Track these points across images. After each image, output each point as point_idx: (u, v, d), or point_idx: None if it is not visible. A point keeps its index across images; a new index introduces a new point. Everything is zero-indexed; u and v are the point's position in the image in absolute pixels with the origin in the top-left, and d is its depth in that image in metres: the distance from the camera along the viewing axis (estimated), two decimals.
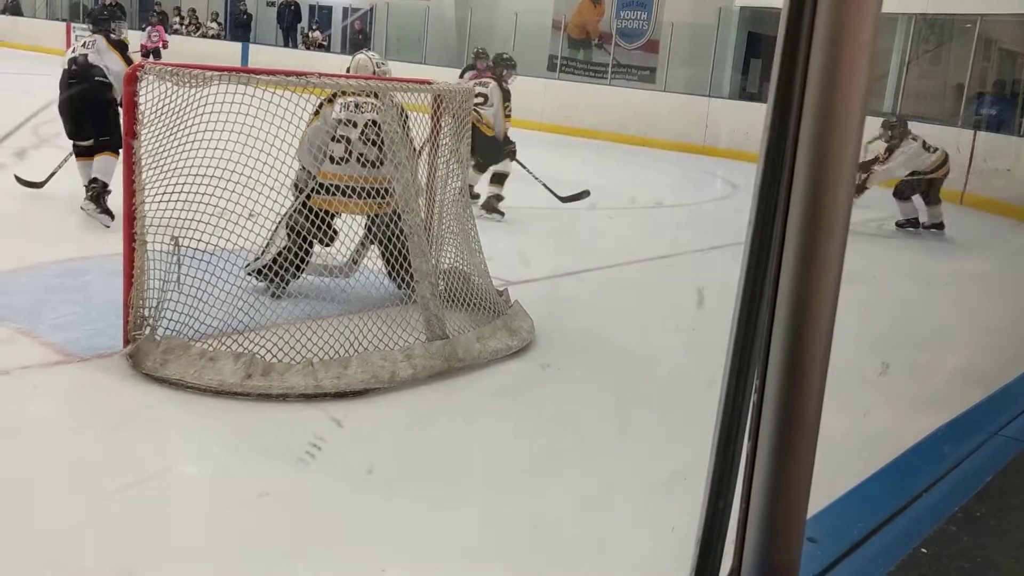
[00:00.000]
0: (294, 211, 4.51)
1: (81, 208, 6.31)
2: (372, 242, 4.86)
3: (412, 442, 3.51)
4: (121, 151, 4.55)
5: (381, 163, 4.61)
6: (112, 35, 7.03)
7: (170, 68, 4.00)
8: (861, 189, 8.58)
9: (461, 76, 11.10)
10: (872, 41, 0.95)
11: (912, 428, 1.96)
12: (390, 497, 3.02)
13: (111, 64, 6.60)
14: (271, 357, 3.80)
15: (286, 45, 23.48)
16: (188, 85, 3.97)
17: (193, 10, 25.44)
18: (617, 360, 4.70)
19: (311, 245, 4.48)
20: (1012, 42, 15.03)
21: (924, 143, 9.14)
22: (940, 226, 9.28)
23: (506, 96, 8.20)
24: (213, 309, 3.96)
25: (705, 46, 17.06)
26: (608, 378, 4.42)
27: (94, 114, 6.55)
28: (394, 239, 4.47)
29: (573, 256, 6.94)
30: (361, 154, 4.72)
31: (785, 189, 0.96)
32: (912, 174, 9.07)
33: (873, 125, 8.97)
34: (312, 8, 24.50)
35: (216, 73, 3.98)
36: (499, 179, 8.02)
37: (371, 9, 23.39)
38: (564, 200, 8.18)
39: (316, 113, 4.77)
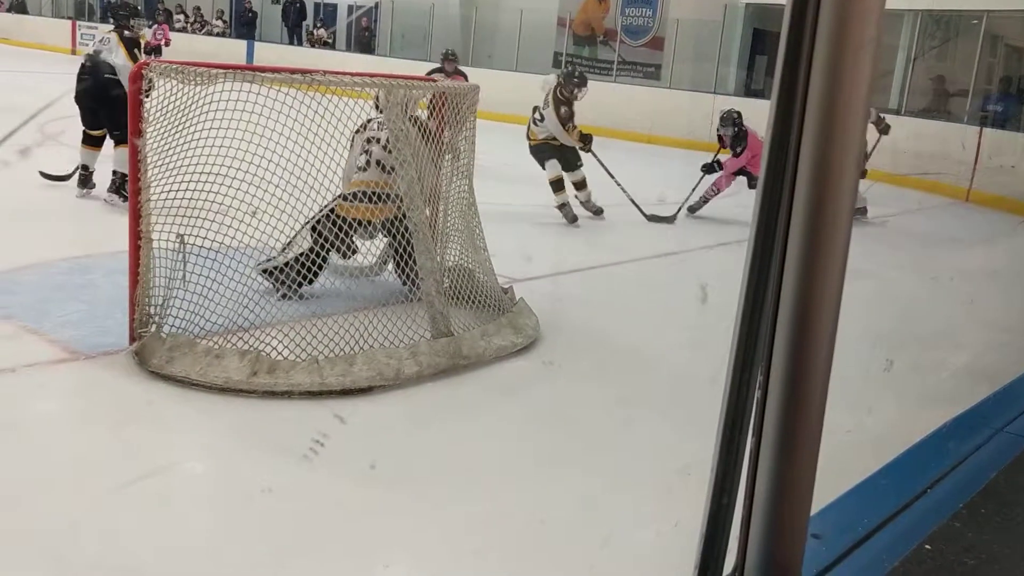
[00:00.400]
0: (321, 217, 4.55)
1: (105, 200, 6.50)
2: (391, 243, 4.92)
3: (417, 439, 3.51)
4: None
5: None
6: (128, 32, 7.16)
7: (175, 66, 4.00)
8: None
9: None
10: (876, 37, 0.95)
11: (917, 425, 1.96)
12: (394, 494, 3.02)
13: (118, 60, 6.78)
14: (277, 354, 3.81)
15: (291, 43, 23.48)
16: (193, 83, 3.97)
17: (198, 8, 25.45)
18: (622, 357, 4.70)
19: (328, 253, 4.51)
20: (1018, 38, 14.98)
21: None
22: (862, 211, 8.86)
23: (566, 116, 7.97)
24: (219, 307, 3.97)
25: (710, 43, 17.03)
26: (613, 375, 4.42)
27: (106, 108, 6.78)
28: (401, 237, 4.49)
29: (578, 253, 6.94)
30: (379, 161, 4.80)
31: (788, 186, 0.96)
32: None
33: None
34: (317, 6, 24.49)
35: (221, 71, 3.99)
36: (579, 186, 8.05)
37: (376, 6, 23.38)
38: (650, 219, 8.18)
39: (351, 143, 4.87)
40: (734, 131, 8.67)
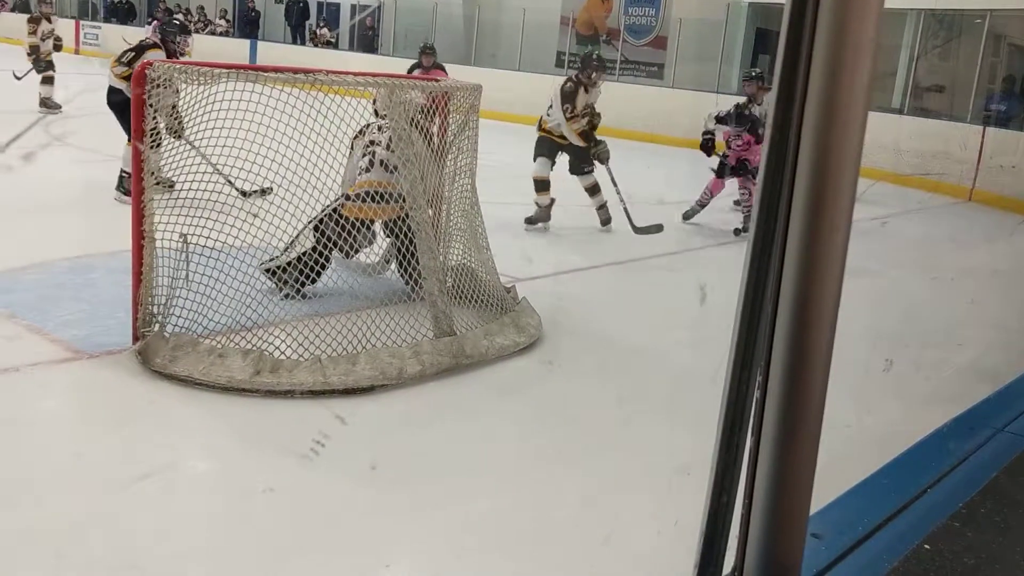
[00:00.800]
0: (324, 217, 4.56)
1: (115, 200, 6.65)
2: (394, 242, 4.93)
3: (419, 439, 3.52)
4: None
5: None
6: (170, 46, 7.22)
7: (178, 66, 4.01)
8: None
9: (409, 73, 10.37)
10: (875, 37, 0.95)
11: (918, 424, 1.96)
12: (396, 494, 3.03)
13: None
14: (279, 354, 3.82)
15: (294, 42, 23.51)
16: (196, 83, 3.98)
17: (202, 7, 25.48)
18: (624, 357, 4.70)
19: (331, 253, 4.52)
20: (1021, 37, 14.96)
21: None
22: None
23: (567, 97, 7.53)
24: (222, 306, 3.98)
25: (713, 42, 17.03)
26: (614, 374, 4.42)
27: (121, 113, 6.80)
28: (403, 237, 4.50)
29: (580, 253, 6.94)
30: (383, 161, 4.81)
31: (788, 185, 0.96)
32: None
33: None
34: (320, 5, 24.52)
35: (224, 71, 3.99)
36: (588, 192, 7.60)
37: (379, 6, 23.40)
38: (638, 231, 7.48)
39: (351, 148, 4.87)
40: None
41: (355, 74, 4.31)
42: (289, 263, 4.60)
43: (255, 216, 4.08)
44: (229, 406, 3.57)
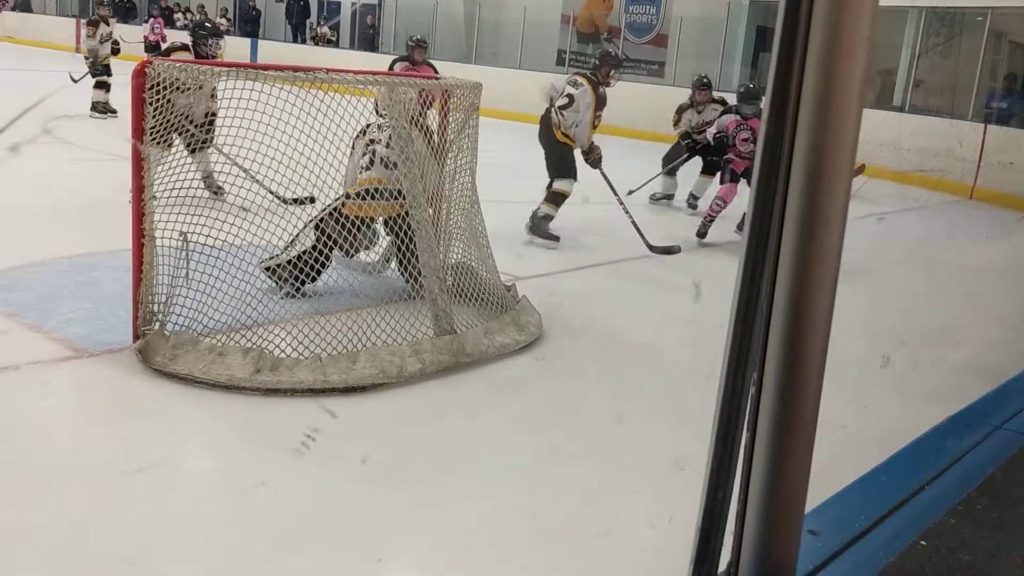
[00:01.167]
0: (325, 216, 4.56)
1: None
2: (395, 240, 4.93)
3: (419, 436, 3.53)
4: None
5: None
6: (201, 50, 7.19)
7: (178, 64, 4.01)
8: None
9: (391, 68, 9.78)
10: (869, 35, 0.95)
11: (917, 421, 1.97)
12: (397, 491, 3.04)
13: None
14: (280, 352, 3.82)
15: (295, 41, 23.51)
16: (196, 81, 3.99)
17: (202, 6, 25.48)
18: (623, 354, 4.71)
19: (332, 251, 4.53)
20: (1023, 35, 14.95)
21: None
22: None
23: (601, 102, 7.12)
24: (222, 304, 3.98)
25: (714, 40, 17.03)
26: (614, 372, 4.43)
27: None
28: (403, 235, 4.50)
29: (581, 251, 6.94)
30: (383, 158, 4.82)
31: (783, 183, 0.97)
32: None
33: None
34: (321, 3, 24.53)
35: (224, 69, 4.00)
36: (556, 198, 7.00)
37: (379, 4, 23.40)
38: (653, 250, 7.07)
39: (352, 149, 4.88)
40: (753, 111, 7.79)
41: (355, 72, 4.32)
42: (289, 261, 4.61)
43: (246, 211, 4.08)
44: (229, 404, 3.58)
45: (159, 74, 3.91)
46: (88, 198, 6.96)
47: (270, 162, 4.06)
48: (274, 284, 4.60)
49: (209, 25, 7.95)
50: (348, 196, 4.74)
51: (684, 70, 17.31)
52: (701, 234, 7.63)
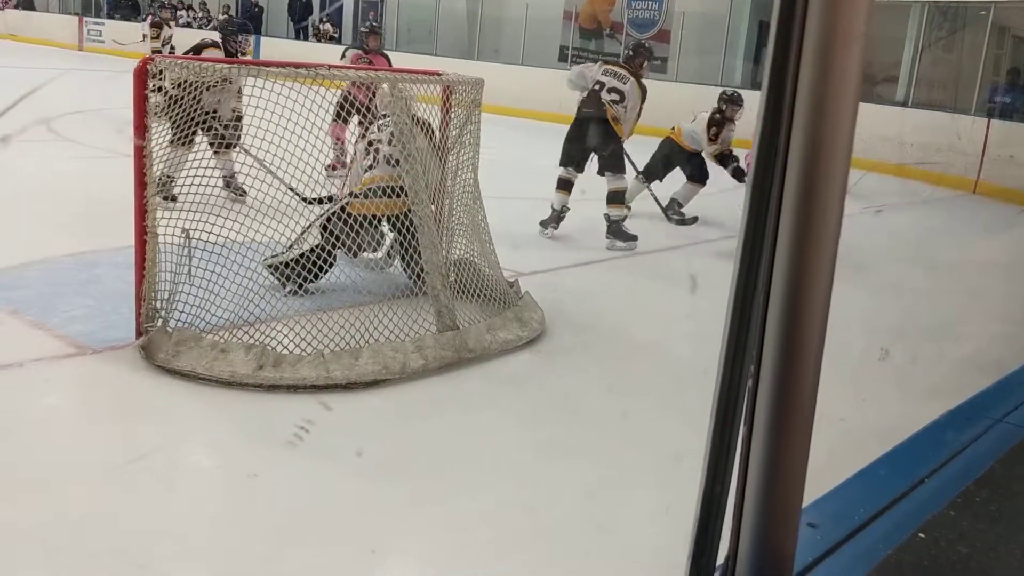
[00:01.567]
0: (331, 215, 4.57)
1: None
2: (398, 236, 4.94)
3: (422, 432, 3.53)
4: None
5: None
6: (230, 47, 7.17)
7: (180, 61, 4.02)
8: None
9: (343, 56, 9.34)
10: (865, 30, 0.96)
11: (917, 416, 1.97)
12: (399, 486, 3.04)
13: None
14: (282, 348, 3.83)
15: (297, 38, 23.51)
16: (199, 78, 3.99)
17: (204, 3, 25.50)
18: (626, 350, 4.71)
19: (337, 250, 4.53)
20: None
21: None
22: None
23: (644, 94, 7.23)
24: (224, 301, 3.99)
25: (717, 35, 17.01)
26: (617, 368, 4.43)
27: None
28: (406, 231, 4.51)
29: (584, 247, 6.94)
30: (387, 157, 4.82)
31: (779, 177, 0.97)
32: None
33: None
34: (323, 0, 24.52)
35: (226, 66, 4.00)
36: (619, 197, 6.94)
37: (381, 1, 23.39)
38: (678, 221, 7.46)
39: (353, 152, 4.90)
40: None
41: (357, 68, 4.32)
42: (294, 259, 4.61)
43: (238, 201, 4.08)
44: (232, 401, 3.59)
45: (167, 71, 3.92)
46: (90, 195, 6.96)
47: (274, 158, 4.06)
48: (278, 282, 4.61)
49: (237, 22, 7.95)
50: (353, 195, 4.74)
51: (687, 66, 17.32)
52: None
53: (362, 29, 9.55)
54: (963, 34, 15.15)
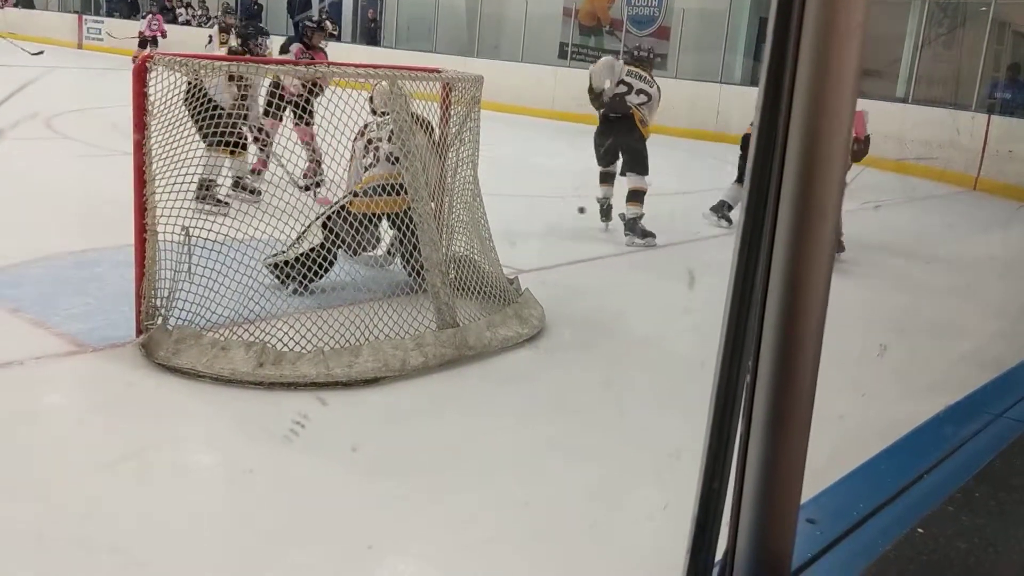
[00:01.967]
0: (332, 214, 4.57)
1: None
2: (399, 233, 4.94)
3: (422, 429, 3.53)
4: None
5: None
6: (255, 51, 7.16)
7: (180, 59, 4.02)
8: None
9: (285, 51, 8.69)
10: (863, 23, 0.95)
11: (916, 412, 1.97)
12: (399, 484, 3.04)
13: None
14: (282, 346, 3.83)
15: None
16: (198, 76, 3.99)
17: (203, 1, 25.48)
18: (626, 347, 4.71)
19: (339, 249, 4.53)
20: None
21: None
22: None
23: (660, 96, 7.35)
24: (224, 299, 3.99)
25: (716, 32, 16.99)
26: (616, 365, 4.43)
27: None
28: (406, 229, 4.51)
29: (583, 244, 6.94)
30: (388, 154, 4.81)
31: (777, 172, 0.97)
32: None
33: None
34: None
35: (225, 63, 4.00)
36: (639, 196, 7.02)
37: None
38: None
39: (352, 152, 4.88)
40: None
41: (356, 66, 4.32)
42: (296, 258, 4.61)
43: (248, 202, 4.09)
44: (232, 398, 3.59)
45: (160, 69, 3.92)
46: (91, 193, 6.96)
47: (274, 157, 4.06)
48: (278, 281, 4.60)
49: (251, 28, 7.93)
50: (355, 194, 4.74)
51: (686, 62, 17.29)
52: None
53: (308, 23, 8.86)
54: (963, 30, 15.13)
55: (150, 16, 19.53)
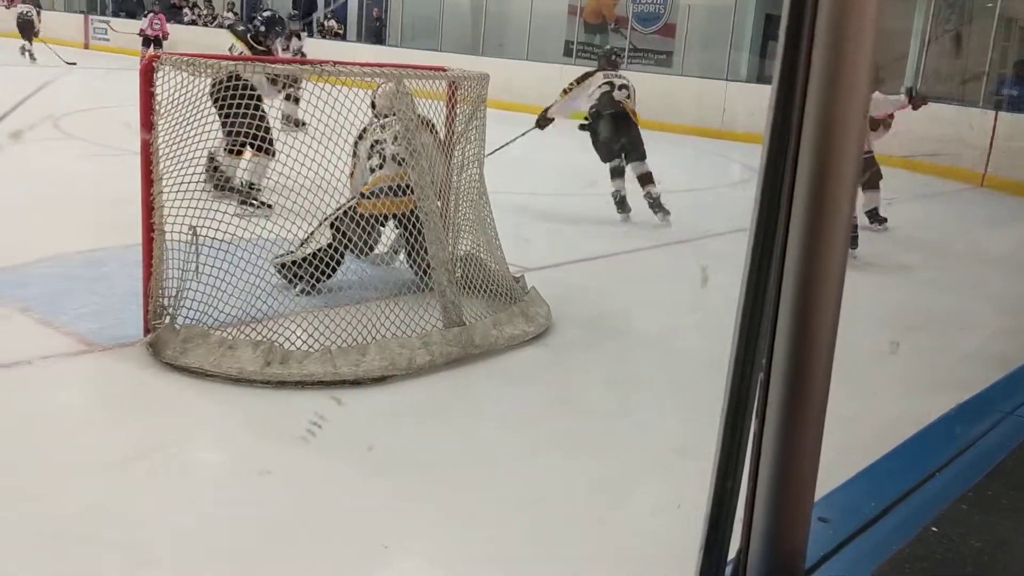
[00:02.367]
0: (341, 215, 4.57)
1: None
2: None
3: (428, 428, 3.53)
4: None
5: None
6: (264, 48, 7.13)
7: (186, 59, 4.02)
8: None
9: (230, 49, 7.76)
10: (876, 17, 0.95)
11: (926, 410, 1.97)
12: (406, 482, 3.04)
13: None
14: (289, 345, 3.83)
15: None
16: (204, 75, 3.99)
17: (209, 0, 25.51)
18: (633, 345, 4.71)
19: (347, 250, 4.53)
20: None
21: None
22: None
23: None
24: (232, 298, 4.00)
25: (722, 29, 16.95)
26: (623, 363, 4.43)
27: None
28: (412, 228, 4.51)
29: (590, 242, 6.94)
30: (394, 154, 4.81)
31: (790, 169, 0.96)
32: None
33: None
34: None
35: (231, 63, 4.00)
36: (649, 178, 7.51)
37: None
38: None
39: (354, 155, 4.87)
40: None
41: (362, 65, 4.32)
42: (304, 259, 4.61)
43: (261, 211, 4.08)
44: (240, 397, 3.59)
45: (168, 69, 3.92)
46: (100, 192, 6.97)
47: (278, 155, 4.06)
48: (286, 281, 4.60)
49: (265, 28, 7.85)
50: (363, 195, 4.74)
51: (692, 60, 17.27)
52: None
53: (258, 24, 7.76)
54: (970, 26, 15.08)
55: (151, 15, 19.48)
